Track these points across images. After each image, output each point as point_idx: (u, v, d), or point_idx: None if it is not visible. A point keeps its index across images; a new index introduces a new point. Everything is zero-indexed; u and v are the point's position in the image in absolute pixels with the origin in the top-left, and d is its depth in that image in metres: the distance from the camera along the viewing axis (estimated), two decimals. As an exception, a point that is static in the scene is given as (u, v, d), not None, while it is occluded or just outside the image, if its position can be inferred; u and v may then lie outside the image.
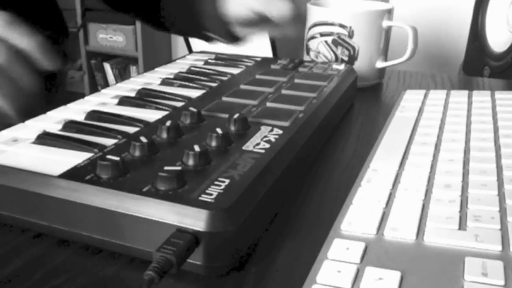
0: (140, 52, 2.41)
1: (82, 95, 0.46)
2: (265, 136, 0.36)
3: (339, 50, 0.61)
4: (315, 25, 0.61)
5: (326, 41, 0.61)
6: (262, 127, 0.37)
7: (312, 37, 0.62)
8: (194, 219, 0.25)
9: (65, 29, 0.70)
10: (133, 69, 2.53)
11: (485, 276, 0.23)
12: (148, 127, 0.37)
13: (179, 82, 0.49)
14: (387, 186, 0.32)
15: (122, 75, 2.56)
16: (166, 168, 0.28)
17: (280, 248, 0.30)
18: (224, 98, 0.44)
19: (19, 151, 0.33)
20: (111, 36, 2.46)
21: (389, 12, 0.61)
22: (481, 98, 0.50)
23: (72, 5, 2.37)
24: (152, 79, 0.50)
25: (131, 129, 0.37)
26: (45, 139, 0.34)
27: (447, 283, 0.23)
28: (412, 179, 0.33)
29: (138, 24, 2.33)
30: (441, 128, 0.42)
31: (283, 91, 0.46)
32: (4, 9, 0.41)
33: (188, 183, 0.28)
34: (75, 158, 0.31)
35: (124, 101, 0.43)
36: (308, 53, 0.64)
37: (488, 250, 0.25)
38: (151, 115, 0.40)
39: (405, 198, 0.31)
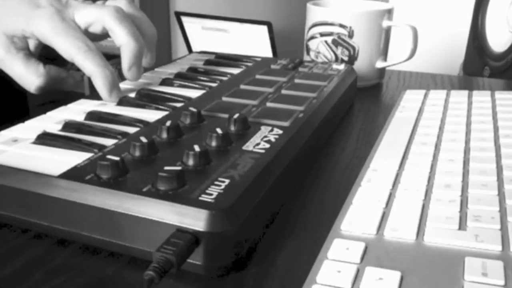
0: (140, 52, 2.40)
1: (82, 95, 0.46)
2: (265, 136, 0.36)
3: (339, 50, 0.61)
4: (315, 25, 0.61)
5: (326, 41, 0.61)
6: (262, 127, 0.37)
7: (312, 37, 0.62)
8: (194, 219, 0.25)
9: None
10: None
11: (485, 276, 0.23)
12: (148, 127, 0.37)
13: (179, 82, 0.49)
14: (387, 186, 0.32)
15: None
16: (166, 168, 0.28)
17: (280, 248, 0.30)
18: (224, 98, 0.44)
19: (19, 151, 0.33)
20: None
21: (389, 12, 0.61)
22: (481, 98, 0.50)
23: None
24: (152, 79, 0.50)
25: (131, 129, 0.37)
26: (45, 139, 0.34)
27: (447, 283, 0.23)
28: (412, 179, 0.33)
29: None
30: (441, 128, 0.42)
31: (283, 91, 0.46)
32: None
33: (188, 183, 0.28)
34: (75, 158, 0.31)
35: (124, 101, 0.43)
36: (308, 53, 0.64)
37: (488, 250, 0.25)
38: (151, 115, 0.40)
39: (405, 198, 0.31)
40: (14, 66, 0.44)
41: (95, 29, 0.45)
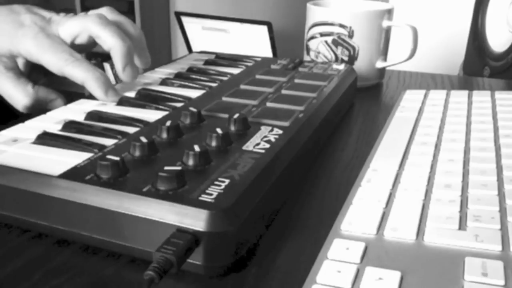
0: (140, 52, 2.40)
1: (82, 95, 0.46)
2: (265, 136, 0.36)
3: (339, 50, 0.61)
4: (315, 25, 0.61)
5: (326, 41, 0.61)
6: (262, 127, 0.37)
7: (312, 37, 0.62)
8: (194, 219, 0.25)
9: None
10: (133, 69, 2.53)
11: (485, 276, 0.23)
12: (148, 127, 0.37)
13: (179, 82, 0.49)
14: (387, 186, 0.32)
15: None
16: (166, 168, 0.28)
17: (280, 248, 0.30)
18: (224, 98, 0.44)
19: (19, 151, 0.33)
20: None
21: (389, 12, 0.61)
22: (481, 98, 0.50)
23: (72, 5, 2.37)
24: (152, 79, 0.50)
25: (131, 129, 0.37)
26: (45, 139, 0.34)
27: (447, 283, 0.23)
28: (412, 179, 0.33)
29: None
30: (441, 128, 0.42)
31: (283, 91, 0.46)
32: None
33: (188, 183, 0.28)
34: (75, 158, 0.31)
35: (124, 101, 0.43)
36: (308, 53, 0.64)
37: (488, 250, 0.25)
38: (151, 115, 0.40)
39: (405, 198, 0.31)
40: (3, 85, 0.44)
41: (82, 39, 0.45)
